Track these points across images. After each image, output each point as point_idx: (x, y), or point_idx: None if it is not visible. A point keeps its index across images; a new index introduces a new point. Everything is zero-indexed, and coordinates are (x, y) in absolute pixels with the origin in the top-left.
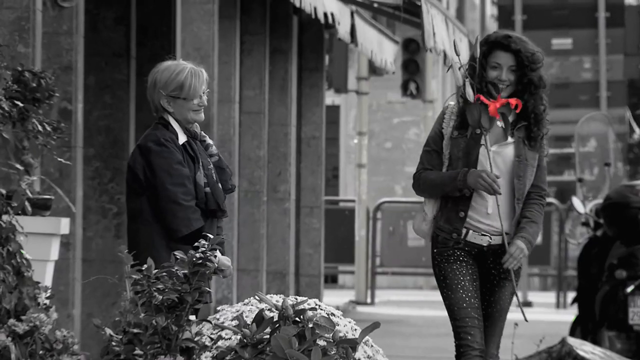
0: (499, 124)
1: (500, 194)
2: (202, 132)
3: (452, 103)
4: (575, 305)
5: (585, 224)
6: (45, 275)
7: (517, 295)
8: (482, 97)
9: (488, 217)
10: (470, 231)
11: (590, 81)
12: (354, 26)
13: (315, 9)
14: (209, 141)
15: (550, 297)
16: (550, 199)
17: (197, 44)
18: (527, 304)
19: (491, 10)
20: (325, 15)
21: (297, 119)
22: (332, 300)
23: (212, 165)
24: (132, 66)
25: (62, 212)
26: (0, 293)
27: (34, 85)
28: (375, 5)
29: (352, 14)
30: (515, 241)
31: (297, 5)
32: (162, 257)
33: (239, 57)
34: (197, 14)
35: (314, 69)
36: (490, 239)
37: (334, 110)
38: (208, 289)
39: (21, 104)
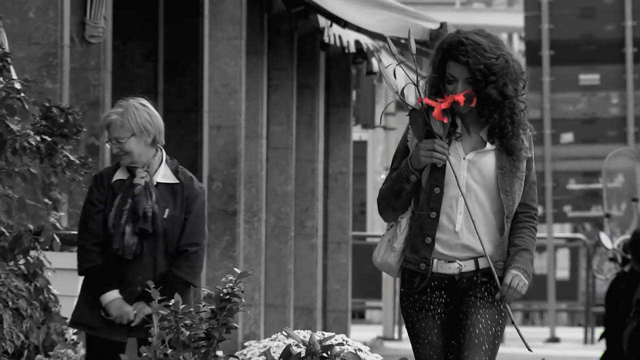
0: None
1: (445, 160)
2: (144, 168)
3: (410, 100)
4: (603, 341)
5: (613, 259)
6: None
7: (516, 326)
8: (426, 99)
9: (456, 239)
10: (435, 260)
11: (618, 117)
12: (381, 62)
13: (347, 42)
14: (139, 181)
15: (578, 332)
16: (579, 235)
17: (225, 80)
18: (555, 339)
19: (519, 45)
20: (359, 48)
21: (325, 155)
22: (359, 335)
23: (128, 206)
24: (159, 102)
25: None
26: (28, 328)
27: (62, 121)
28: (403, 41)
29: (379, 49)
30: (509, 270)
31: (327, 40)
32: None
33: (266, 92)
34: (225, 50)
35: (341, 105)
36: (460, 265)
37: (361, 146)
38: (235, 325)
39: (49, 139)
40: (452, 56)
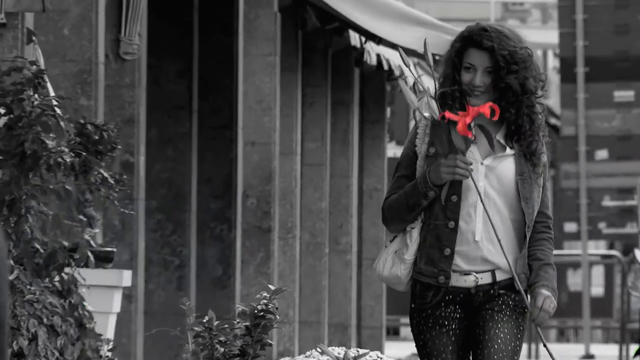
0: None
1: (467, 176)
2: None
3: (427, 115)
4: (638, 358)
5: None
6: (107, 328)
7: (547, 349)
8: (447, 114)
9: (476, 250)
10: (451, 273)
11: None
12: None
13: (380, 57)
14: None
15: (613, 349)
16: (613, 252)
17: (259, 96)
18: (590, 356)
19: (553, 62)
20: (389, 65)
21: (359, 171)
22: (394, 352)
23: None
24: (194, 119)
25: (125, 264)
26: (62, 345)
27: (97, 137)
28: (437, 57)
29: (414, 65)
30: (540, 290)
31: (366, 59)
32: None
33: (300, 109)
34: (259, 67)
35: (376, 121)
36: (476, 277)
37: (395, 162)
38: (270, 341)
39: (83, 154)
40: (473, 43)
